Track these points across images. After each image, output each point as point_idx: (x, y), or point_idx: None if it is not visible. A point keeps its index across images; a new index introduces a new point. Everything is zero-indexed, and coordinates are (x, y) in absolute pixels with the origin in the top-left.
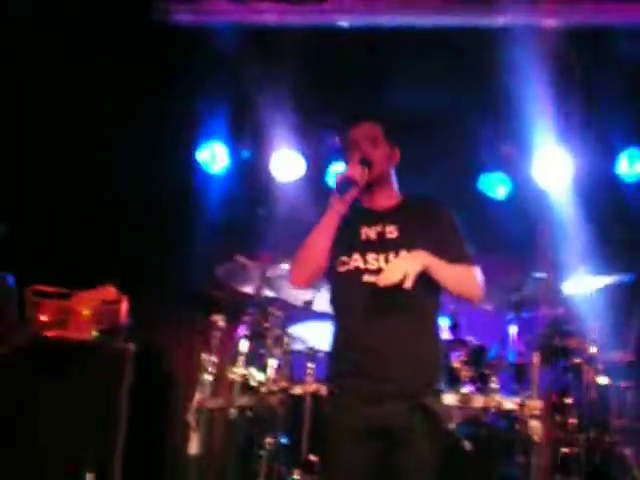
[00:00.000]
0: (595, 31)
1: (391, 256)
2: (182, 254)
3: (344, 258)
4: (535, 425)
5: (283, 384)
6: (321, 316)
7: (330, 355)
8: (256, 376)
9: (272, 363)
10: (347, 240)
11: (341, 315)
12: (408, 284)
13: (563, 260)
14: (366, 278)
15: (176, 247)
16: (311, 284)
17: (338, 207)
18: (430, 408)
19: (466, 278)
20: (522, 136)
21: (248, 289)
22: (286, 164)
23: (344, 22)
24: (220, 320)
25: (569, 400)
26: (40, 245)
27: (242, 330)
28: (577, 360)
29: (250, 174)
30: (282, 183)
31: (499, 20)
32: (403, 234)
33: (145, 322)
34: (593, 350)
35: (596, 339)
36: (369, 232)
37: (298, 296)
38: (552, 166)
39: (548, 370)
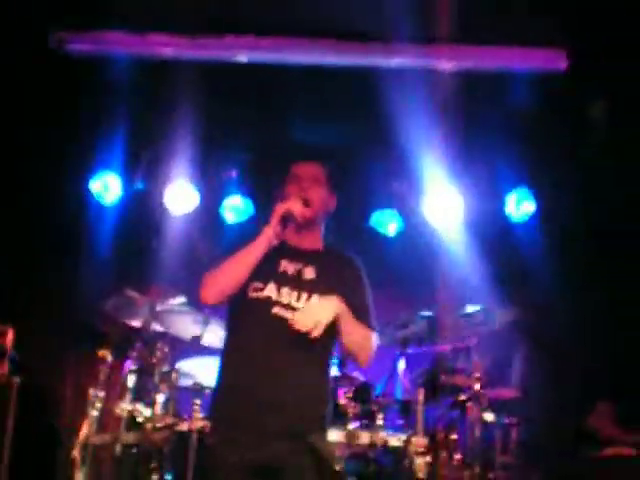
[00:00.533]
0: (486, 75)
1: (304, 295)
2: (70, 286)
3: (259, 284)
4: (420, 462)
5: (169, 420)
6: (210, 351)
7: (217, 381)
8: (143, 412)
9: (159, 399)
10: (265, 269)
11: (236, 339)
12: (316, 333)
13: (452, 297)
14: (275, 310)
15: (64, 278)
16: (217, 305)
17: (270, 237)
18: (318, 449)
19: (365, 341)
20: (413, 174)
21: (136, 323)
22: (180, 196)
23: (242, 57)
24: (107, 354)
25: (454, 436)
26: None
27: (130, 365)
28: (462, 397)
29: (143, 206)
30: (175, 215)
31: (393, 61)
32: (320, 278)
33: (31, 355)
34: (478, 387)
35: (481, 376)
36: (288, 266)
37: (187, 331)
38: (442, 204)
39: (434, 406)
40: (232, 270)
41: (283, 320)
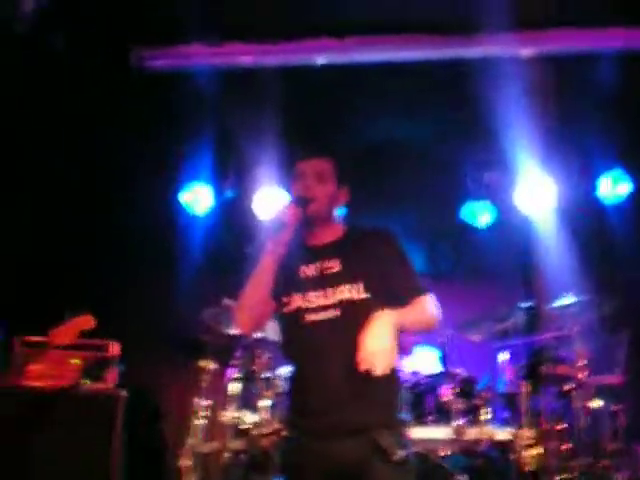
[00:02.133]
0: (572, 58)
1: (330, 290)
2: (170, 298)
3: (284, 299)
4: (528, 454)
5: (275, 426)
6: None
7: (286, 398)
8: (248, 418)
9: (263, 405)
10: (288, 281)
11: (290, 356)
12: (387, 370)
13: (549, 286)
14: (307, 317)
15: (163, 291)
16: (258, 329)
17: (272, 249)
18: (377, 442)
19: (423, 316)
20: (504, 164)
21: (235, 331)
22: (270, 201)
23: (321, 59)
24: (209, 364)
25: (562, 426)
26: (27, 293)
27: (232, 373)
28: (567, 386)
29: (234, 214)
30: (266, 221)
31: (477, 51)
32: (345, 267)
33: (136, 368)
34: (582, 375)
35: (585, 364)
36: (307, 270)
37: None
38: (535, 193)
39: (538, 397)
40: (250, 295)
41: (322, 323)
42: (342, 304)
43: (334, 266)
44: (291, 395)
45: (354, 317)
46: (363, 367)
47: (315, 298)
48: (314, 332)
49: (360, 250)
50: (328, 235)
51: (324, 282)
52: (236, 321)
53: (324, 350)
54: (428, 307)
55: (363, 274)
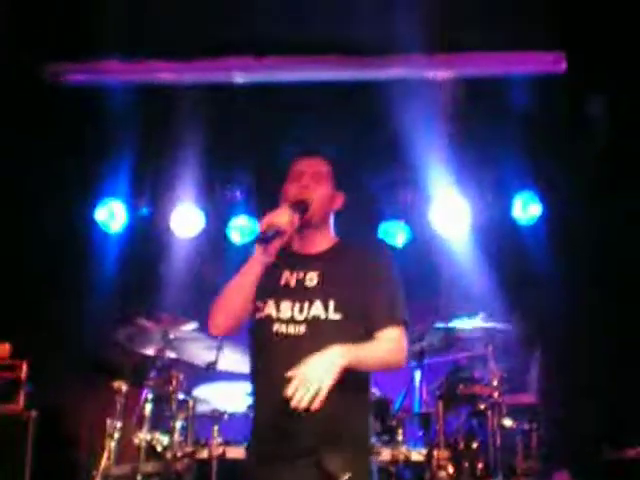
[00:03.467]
0: (486, 81)
1: (305, 305)
2: (82, 318)
3: (259, 304)
4: (443, 474)
5: (188, 448)
6: (225, 377)
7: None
8: (162, 440)
9: (177, 427)
10: (267, 285)
11: (253, 362)
12: (315, 405)
13: (463, 306)
14: (276, 327)
15: (75, 310)
16: (232, 332)
17: (261, 258)
18: (322, 465)
19: (387, 355)
20: (418, 184)
21: (150, 351)
22: (186, 219)
23: (239, 78)
24: (123, 384)
25: (475, 445)
26: None
27: (146, 394)
28: (482, 405)
29: (149, 232)
30: (182, 239)
31: (391, 73)
32: (321, 283)
33: (47, 388)
34: (497, 395)
35: (499, 383)
36: (290, 278)
37: (201, 357)
38: (449, 212)
39: (453, 417)
40: (229, 297)
41: (287, 337)
42: (310, 322)
43: (313, 278)
44: (252, 405)
45: (319, 337)
46: (289, 393)
47: (288, 309)
48: (278, 345)
49: (342, 267)
50: (317, 244)
51: (300, 294)
52: (211, 322)
53: (282, 366)
54: (396, 344)
55: (337, 293)
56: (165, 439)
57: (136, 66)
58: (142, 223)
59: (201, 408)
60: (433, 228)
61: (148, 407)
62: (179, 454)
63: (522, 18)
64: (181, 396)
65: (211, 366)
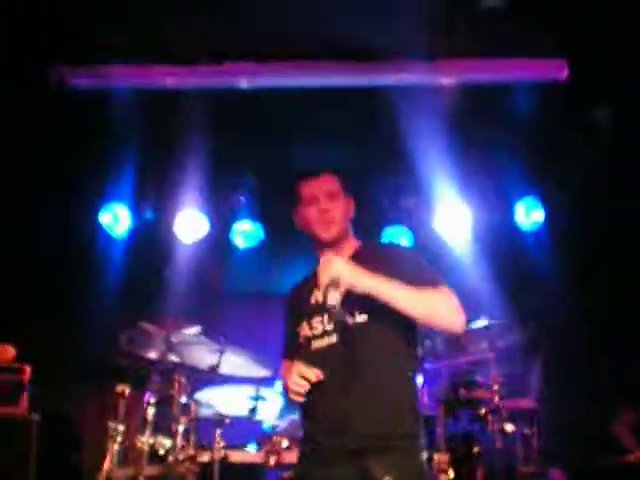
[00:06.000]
0: (488, 87)
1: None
2: (85, 321)
3: (298, 329)
4: (444, 478)
5: (191, 452)
6: (228, 380)
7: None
8: (164, 444)
9: (180, 430)
10: (301, 310)
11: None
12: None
13: (466, 311)
14: (314, 344)
15: (79, 314)
16: None
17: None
18: (367, 470)
19: (436, 302)
20: (422, 190)
21: (153, 355)
22: (189, 224)
23: (243, 84)
24: (125, 388)
25: (476, 449)
26: None
27: (149, 397)
28: (482, 410)
29: (153, 236)
30: (186, 243)
31: (394, 79)
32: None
33: (50, 391)
34: (497, 399)
35: (500, 388)
36: (318, 294)
37: (204, 361)
38: (452, 218)
39: (454, 421)
40: None
41: (324, 349)
42: (339, 329)
43: None
44: (301, 423)
45: (350, 342)
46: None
47: (319, 324)
48: (318, 360)
49: (367, 266)
50: (342, 253)
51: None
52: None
53: (326, 376)
54: (445, 298)
55: (359, 295)
56: (168, 442)
57: (139, 70)
58: (146, 227)
59: (204, 412)
60: (436, 234)
61: (151, 410)
62: (181, 457)
63: (524, 25)
64: (184, 400)
65: (214, 370)
